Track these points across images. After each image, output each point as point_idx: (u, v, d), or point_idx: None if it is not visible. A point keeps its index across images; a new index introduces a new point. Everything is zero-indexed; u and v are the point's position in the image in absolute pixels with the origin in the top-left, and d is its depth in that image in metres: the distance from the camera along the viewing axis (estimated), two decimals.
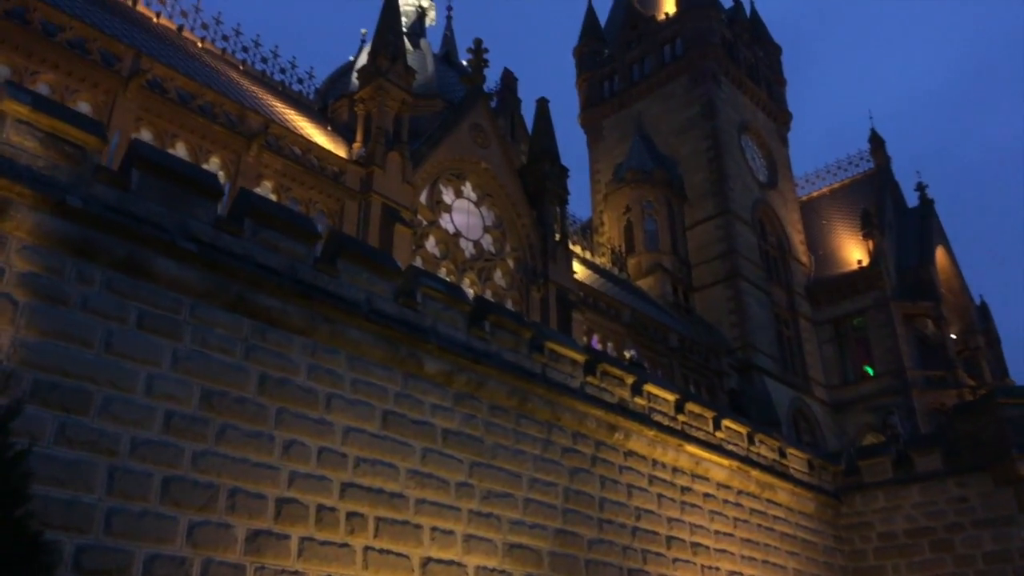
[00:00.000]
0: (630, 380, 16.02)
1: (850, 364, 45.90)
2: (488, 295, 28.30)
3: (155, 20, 25.86)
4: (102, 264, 8.97)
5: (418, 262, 26.19)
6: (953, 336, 48.40)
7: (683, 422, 17.03)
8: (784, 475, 19.37)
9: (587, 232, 47.63)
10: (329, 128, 27.04)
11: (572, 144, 61.36)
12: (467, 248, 28.29)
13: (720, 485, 17.52)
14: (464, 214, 28.74)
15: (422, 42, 34.23)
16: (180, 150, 20.76)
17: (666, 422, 16.51)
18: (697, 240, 44.80)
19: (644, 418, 15.92)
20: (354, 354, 11.30)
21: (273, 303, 10.42)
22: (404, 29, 35.23)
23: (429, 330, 12.31)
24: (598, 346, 32.56)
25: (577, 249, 40.15)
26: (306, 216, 12.49)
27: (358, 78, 27.25)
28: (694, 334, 39.06)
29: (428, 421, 11.99)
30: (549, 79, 73.24)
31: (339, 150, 25.47)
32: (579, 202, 51.82)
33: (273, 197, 22.50)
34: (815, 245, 50.84)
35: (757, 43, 54.61)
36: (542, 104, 34.34)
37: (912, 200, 54.15)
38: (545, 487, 13.39)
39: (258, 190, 22.16)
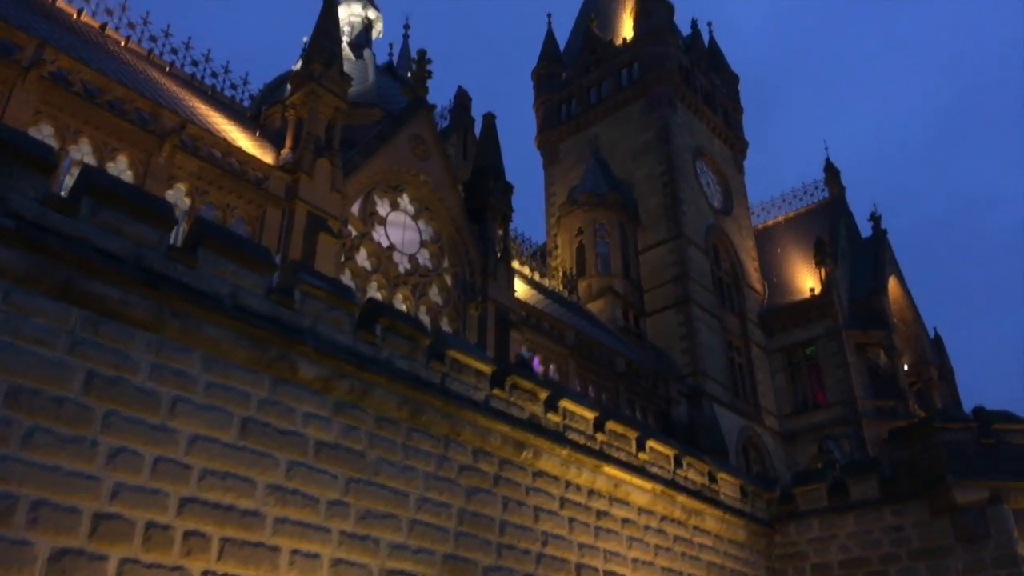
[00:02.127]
0: (543, 395, 14.98)
1: (802, 393, 45.34)
2: (422, 311, 27.23)
3: (75, 17, 24.69)
4: None
5: (347, 275, 25.08)
6: (906, 367, 48.22)
7: (602, 441, 16.00)
8: (713, 501, 18.37)
9: (541, 255, 46.85)
10: (258, 134, 25.95)
11: (530, 166, 60.97)
12: (401, 263, 27.20)
13: (641, 510, 16.46)
14: (400, 227, 27.69)
15: (365, 52, 33.42)
16: (83, 146, 19.51)
17: (582, 441, 15.45)
18: (650, 264, 44.18)
19: (557, 436, 14.86)
20: (211, 354, 10.13)
21: (111, 292, 9.25)
22: (348, 39, 34.52)
23: (307, 331, 11.18)
24: (539, 368, 31.55)
25: (526, 270, 39.33)
26: (161, 199, 11.34)
27: (290, 83, 26.24)
28: (643, 359, 38.22)
29: (298, 431, 10.83)
30: (509, 101, 72.93)
31: (266, 156, 24.35)
32: (537, 225, 50.86)
33: (187, 200, 21.33)
34: (769, 273, 50.52)
35: (714, 71, 54.73)
36: (488, 120, 33.59)
37: (866, 230, 54.21)
38: (437, 508, 12.23)
39: (170, 192, 20.96)
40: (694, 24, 55.24)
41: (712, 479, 18.89)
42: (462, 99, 42.78)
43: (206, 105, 25.60)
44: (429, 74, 30.47)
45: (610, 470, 15.75)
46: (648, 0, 51.47)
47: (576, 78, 52.88)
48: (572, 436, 15.25)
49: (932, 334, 54.10)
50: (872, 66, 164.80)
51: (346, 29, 34.91)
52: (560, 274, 43.93)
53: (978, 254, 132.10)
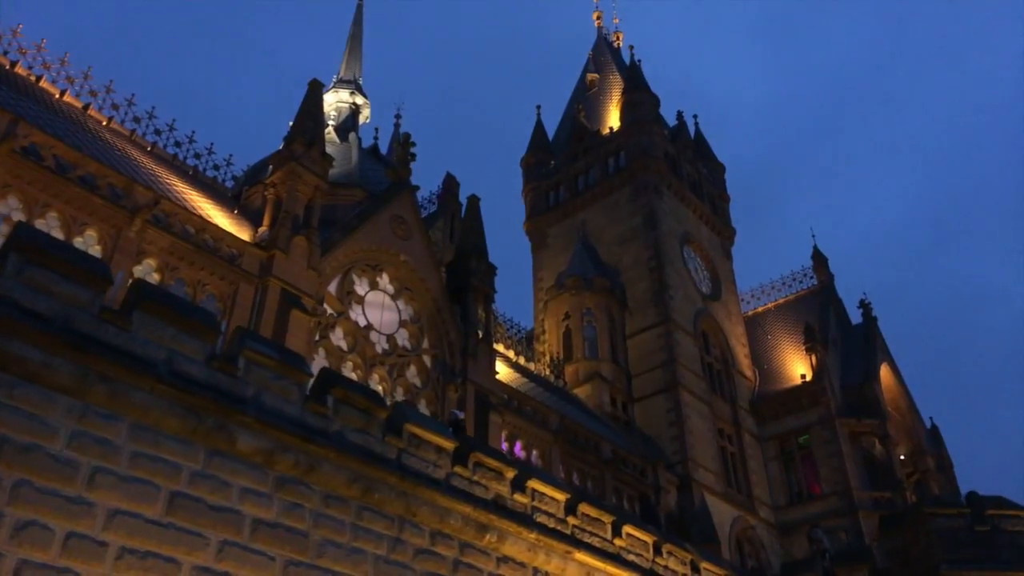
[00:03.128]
0: (510, 474, 14.20)
1: (796, 483, 44.05)
2: (399, 393, 26.51)
3: (58, 97, 24.92)
4: None
5: (321, 355, 24.50)
6: (902, 457, 47.06)
7: (574, 525, 15.11)
8: None
9: (528, 341, 46.33)
10: (236, 212, 25.83)
11: (519, 253, 61.21)
12: (379, 342, 26.65)
13: None
14: (378, 307, 27.26)
15: (351, 136, 33.78)
16: (51, 220, 19.26)
17: (552, 524, 14.58)
18: (638, 349, 43.61)
19: (525, 518, 14.01)
20: (140, 422, 9.51)
21: (32, 354, 8.71)
22: (334, 124, 34.98)
23: (249, 400, 10.58)
24: (521, 453, 30.58)
25: (511, 354, 38.74)
26: (96, 258, 10.92)
27: (272, 163, 26.31)
28: (631, 446, 37.18)
29: (234, 508, 10.08)
30: (500, 190, 73.81)
31: (243, 234, 24.14)
32: (526, 311, 50.65)
33: (156, 276, 20.95)
34: (759, 360, 49.91)
35: (701, 160, 55.60)
36: (473, 201, 33.71)
37: (857, 318, 53.91)
38: None
39: (139, 268, 20.64)
40: (680, 115, 56.45)
41: (695, 569, 17.85)
42: (450, 184, 43.04)
43: (185, 184, 25.58)
44: (413, 156, 30.73)
45: (582, 557, 14.81)
46: (634, 92, 52.75)
47: (564, 166, 53.65)
48: (541, 519, 14.40)
49: (929, 424, 53.05)
50: (865, 162, 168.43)
51: (333, 114, 35.48)
52: (547, 359, 43.35)
53: (974, 350, 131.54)
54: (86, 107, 25.67)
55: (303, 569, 10.44)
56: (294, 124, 26.95)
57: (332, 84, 36.88)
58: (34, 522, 8.25)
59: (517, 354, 39.49)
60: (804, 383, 45.32)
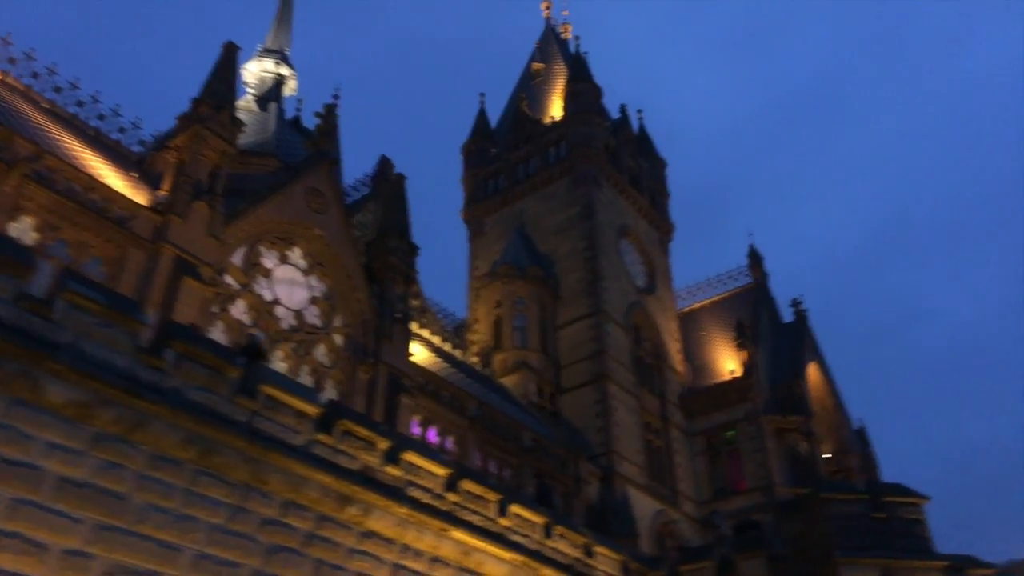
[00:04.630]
0: (383, 445, 13.33)
1: (721, 478, 43.97)
2: (305, 371, 25.42)
3: None
4: None
5: (219, 327, 23.29)
6: (827, 455, 47.40)
7: (454, 502, 14.30)
8: None
9: (461, 330, 45.50)
10: (136, 175, 24.41)
11: (461, 242, 60.40)
12: (286, 318, 25.50)
13: None
14: (288, 282, 26.11)
15: (271, 105, 32.47)
16: None
17: (428, 500, 13.75)
18: (568, 340, 43.06)
19: (396, 492, 13.16)
20: None
21: None
22: (254, 92, 33.64)
23: (65, 346, 9.52)
24: (436, 439, 29.72)
25: (436, 340, 37.83)
26: None
27: (177, 125, 24.96)
28: (555, 436, 36.58)
29: (34, 464, 9.02)
30: (444, 179, 72.79)
31: (139, 197, 22.78)
32: (463, 300, 49.79)
33: (34, 235, 19.55)
34: (692, 355, 49.79)
35: (643, 155, 55.29)
36: (398, 180, 32.72)
37: (790, 317, 54.16)
38: (220, 567, 10.37)
39: (15, 225, 19.22)
40: (623, 109, 56.08)
41: (588, 553, 17.19)
42: (385, 167, 41.93)
43: (82, 143, 24.09)
44: (334, 128, 29.59)
45: (460, 535, 14.02)
46: (577, 82, 52.20)
47: (505, 154, 52.87)
48: (415, 493, 13.55)
49: (856, 425, 53.54)
50: (817, 177, 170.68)
51: (255, 83, 34.11)
52: (478, 347, 42.58)
53: (907, 364, 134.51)
54: None
55: (117, 535, 9.42)
56: (204, 87, 25.62)
57: (257, 53, 35.46)
58: None
59: (444, 340, 38.59)
60: (733, 379, 45.29)
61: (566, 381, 41.91)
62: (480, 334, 44.02)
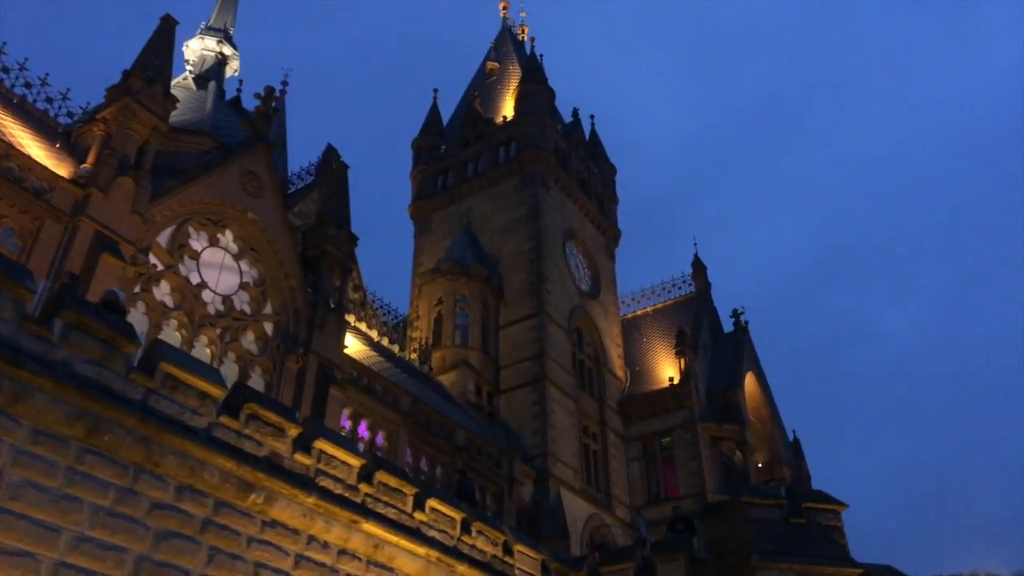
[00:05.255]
0: (293, 431, 12.80)
1: (655, 484, 44.18)
2: (231, 358, 24.65)
3: None
4: None
5: (140, 308, 22.40)
6: (760, 465, 48.01)
7: (367, 494, 13.83)
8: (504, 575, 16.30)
9: (403, 326, 44.90)
10: (58, 146, 23.38)
11: (405, 237, 59.71)
12: (212, 303, 24.68)
13: None
14: (217, 266, 25.28)
15: (211, 84, 31.53)
16: None
17: (339, 490, 13.25)
18: (509, 341, 42.79)
19: (304, 480, 12.64)
20: None
21: None
22: (193, 70, 32.67)
23: None
24: (366, 433, 29.14)
25: (373, 334, 37.21)
26: None
27: (105, 97, 23.99)
28: (490, 436, 36.25)
29: None
30: (394, 175, 72.02)
31: (60, 168, 21.80)
32: (407, 296, 49.10)
33: None
34: (633, 361, 49.99)
35: (593, 159, 55.42)
36: (339, 168, 32.14)
37: (731, 328, 54.77)
38: (103, 551, 9.75)
39: None
40: (575, 113, 56.19)
41: (507, 551, 16.87)
42: (330, 155, 41.18)
43: (3, 111, 22.96)
44: (274, 111, 28.85)
45: (371, 528, 13.55)
46: (530, 83, 52.11)
47: (455, 151, 52.49)
48: (325, 483, 13.05)
49: (791, 437, 54.32)
50: (769, 195, 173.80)
51: (194, 60, 33.13)
52: (418, 345, 42.05)
53: (850, 380, 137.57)
54: None
55: None
56: (137, 59, 24.69)
57: (199, 31, 34.45)
58: None
59: (381, 335, 37.98)
60: (671, 386, 45.56)
61: (505, 381, 41.63)
62: (421, 331, 43.48)
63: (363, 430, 29.06)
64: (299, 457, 12.81)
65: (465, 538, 15.76)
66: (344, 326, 28.67)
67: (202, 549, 10.95)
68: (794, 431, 55.23)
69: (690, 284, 55.79)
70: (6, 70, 25.55)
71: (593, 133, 58.72)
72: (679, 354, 46.32)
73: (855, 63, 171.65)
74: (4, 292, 9.56)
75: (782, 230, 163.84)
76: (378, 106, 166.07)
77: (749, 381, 50.19)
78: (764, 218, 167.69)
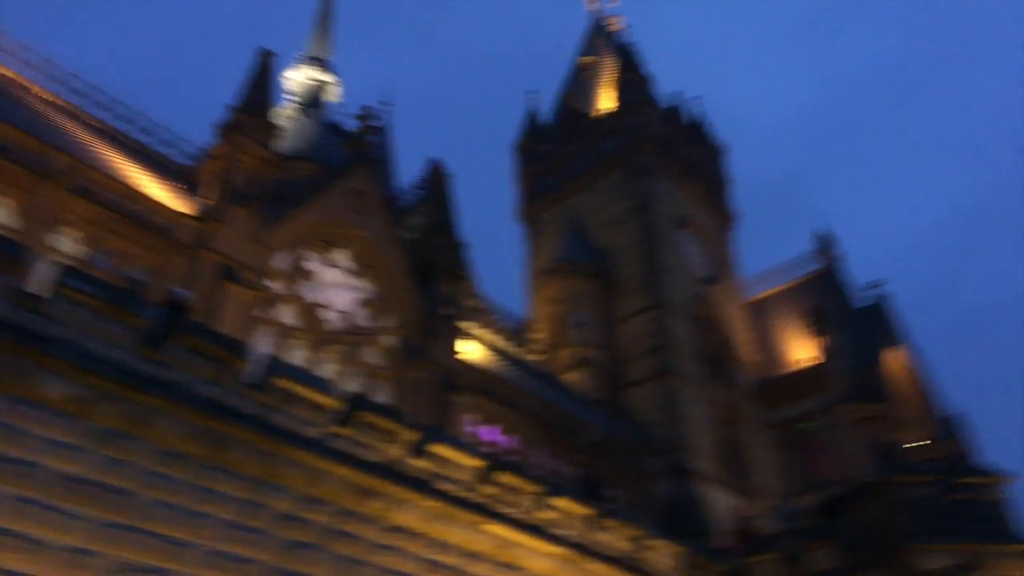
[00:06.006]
0: (410, 436, 12.81)
1: (801, 470, 42.04)
2: (356, 373, 25.21)
3: None
4: None
5: (263, 330, 23.26)
6: (913, 444, 44.89)
7: (488, 495, 13.67)
8: (639, 570, 15.74)
9: (522, 329, 44.93)
10: (180, 186, 24.68)
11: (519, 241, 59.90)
12: (333, 321, 25.37)
13: None
14: (335, 284, 26.00)
15: (313, 112, 32.59)
16: None
17: (459, 492, 13.16)
18: (630, 335, 41.90)
19: (422, 484, 12.61)
20: None
21: None
22: (297, 99, 33.87)
23: (61, 342, 9.30)
24: (492, 436, 29.12)
25: (495, 339, 37.30)
26: None
27: (217, 134, 25.17)
28: (620, 433, 35.55)
29: (33, 462, 8.79)
30: (500, 180, 72.51)
31: (181, 205, 23.01)
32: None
33: (76, 247, 19.85)
34: (762, 345, 47.90)
35: (698, 143, 53.65)
36: (440, 177, 32.42)
37: (865, 301, 51.60)
38: (232, 564, 9.99)
39: (61, 238, 19.55)
40: (676, 97, 54.65)
41: (642, 545, 16.30)
42: (434, 169, 41.85)
43: (126, 157, 24.49)
44: (375, 131, 29.47)
45: (495, 528, 13.38)
46: (626, 72, 51.06)
47: (556, 151, 52.10)
48: (444, 486, 12.99)
49: (945, 413, 50.57)
50: (896, 163, 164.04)
51: (296, 90, 34.37)
52: (539, 346, 41.92)
53: (1016, 348, 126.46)
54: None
55: (122, 532, 9.17)
56: (240, 95, 25.79)
57: (298, 61, 35.77)
58: None
59: (505, 339, 38.01)
60: (810, 367, 43.27)
61: (630, 376, 40.76)
62: (541, 332, 43.32)
63: (488, 433, 29.09)
64: (416, 461, 12.79)
65: (595, 534, 15.33)
66: (457, 332, 28.83)
67: (329, 557, 11.07)
68: (951, 405, 51.50)
69: (818, 260, 53.02)
70: (128, 120, 27.28)
71: (697, 116, 56.95)
72: (816, 333, 43.96)
73: (973, 15, 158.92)
74: (120, 322, 9.97)
75: (919, 194, 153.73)
76: (479, 115, 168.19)
77: (895, 356, 47.00)
78: (897, 184, 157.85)
